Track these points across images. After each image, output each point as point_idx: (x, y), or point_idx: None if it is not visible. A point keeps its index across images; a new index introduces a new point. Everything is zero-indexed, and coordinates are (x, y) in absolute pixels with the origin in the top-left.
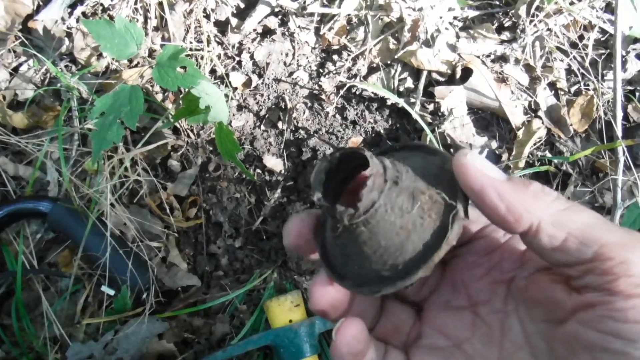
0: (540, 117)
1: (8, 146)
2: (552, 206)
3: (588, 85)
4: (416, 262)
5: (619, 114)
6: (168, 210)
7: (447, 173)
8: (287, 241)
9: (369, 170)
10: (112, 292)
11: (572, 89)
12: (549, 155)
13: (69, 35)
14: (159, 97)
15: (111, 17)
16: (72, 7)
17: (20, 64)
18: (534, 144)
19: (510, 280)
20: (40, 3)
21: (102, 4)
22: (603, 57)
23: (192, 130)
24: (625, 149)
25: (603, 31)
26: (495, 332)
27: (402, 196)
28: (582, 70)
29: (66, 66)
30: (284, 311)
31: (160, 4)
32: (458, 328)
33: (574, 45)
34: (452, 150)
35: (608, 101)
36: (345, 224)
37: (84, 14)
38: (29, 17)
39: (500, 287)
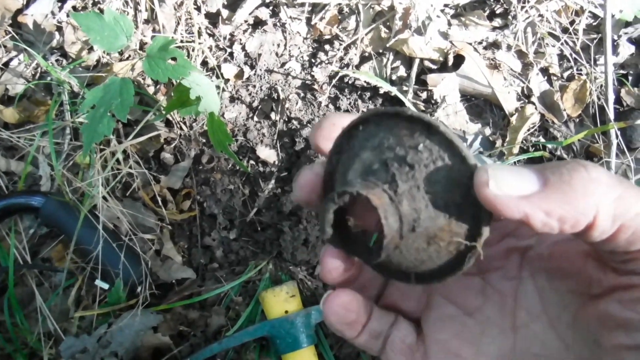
0: (533, 103)
1: (0, 142)
2: (606, 197)
3: (581, 70)
4: (426, 277)
5: (611, 97)
6: (161, 203)
7: (473, 195)
8: (298, 195)
9: (385, 230)
10: (106, 286)
11: (565, 74)
12: (542, 140)
13: (59, 29)
14: (151, 90)
15: (101, 11)
16: (62, 0)
17: (11, 59)
18: (528, 130)
19: (527, 248)
20: None
21: None
22: (595, 41)
23: (184, 123)
24: (618, 132)
25: (595, 16)
26: (508, 300)
27: (419, 241)
28: (574, 56)
29: (57, 60)
30: (280, 302)
31: None
32: (468, 296)
33: (565, 30)
34: None
35: (601, 86)
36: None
37: (74, 7)
38: (19, 11)
39: (515, 254)
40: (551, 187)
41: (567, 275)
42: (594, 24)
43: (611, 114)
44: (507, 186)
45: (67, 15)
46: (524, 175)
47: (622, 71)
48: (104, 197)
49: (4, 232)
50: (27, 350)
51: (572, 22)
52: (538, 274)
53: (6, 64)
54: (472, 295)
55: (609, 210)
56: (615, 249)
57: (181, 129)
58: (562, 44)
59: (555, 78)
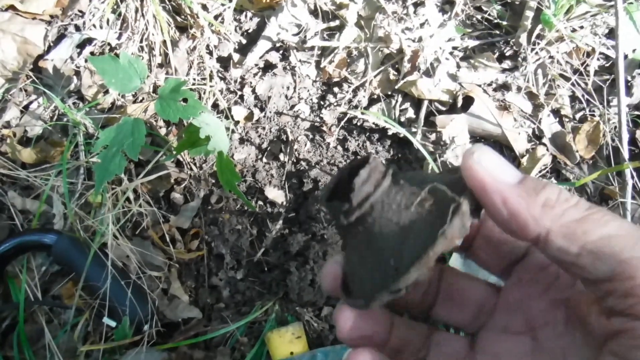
0: (544, 144)
1: (17, 181)
2: (565, 215)
3: (593, 111)
4: (410, 262)
5: (625, 136)
6: (170, 242)
7: (459, 177)
8: (325, 285)
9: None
10: (113, 324)
11: (577, 116)
12: (555, 182)
13: (77, 73)
14: (163, 131)
15: (117, 55)
16: (81, 47)
17: (31, 102)
18: (539, 172)
19: (569, 300)
20: (51, 44)
21: (109, 44)
22: (608, 82)
23: (194, 163)
24: (634, 173)
25: (607, 57)
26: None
27: (402, 193)
28: (586, 97)
29: (74, 103)
30: (285, 343)
31: (165, 42)
32: (515, 355)
33: (576, 71)
34: None
35: (615, 127)
36: (343, 224)
37: (92, 53)
38: (40, 57)
39: (561, 307)
40: (521, 186)
41: (585, 327)
42: (606, 65)
43: (626, 154)
44: (488, 162)
45: (85, 61)
46: (508, 166)
47: (636, 112)
48: (114, 235)
49: (17, 269)
50: None
51: (583, 64)
52: (577, 328)
53: (26, 107)
54: (520, 355)
55: (565, 227)
56: (589, 276)
57: (191, 169)
58: (572, 84)
59: (567, 119)
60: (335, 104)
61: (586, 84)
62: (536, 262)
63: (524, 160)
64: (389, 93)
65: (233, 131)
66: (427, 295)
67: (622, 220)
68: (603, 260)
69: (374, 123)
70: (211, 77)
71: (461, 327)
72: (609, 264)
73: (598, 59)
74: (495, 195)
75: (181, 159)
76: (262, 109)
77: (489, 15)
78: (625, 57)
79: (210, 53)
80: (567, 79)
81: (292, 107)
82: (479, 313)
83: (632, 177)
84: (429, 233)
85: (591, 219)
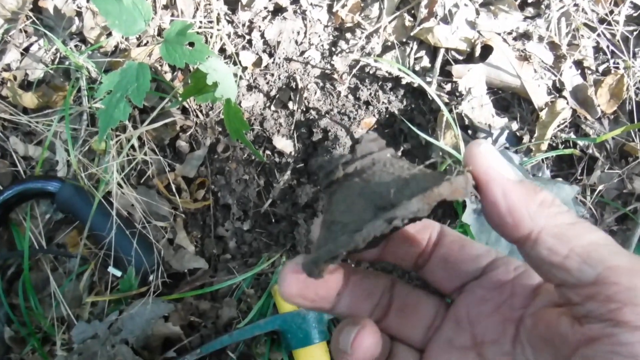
0: (565, 98)
1: (18, 126)
2: (558, 218)
3: (617, 64)
4: (414, 194)
5: None
6: (175, 192)
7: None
8: (284, 290)
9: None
10: (118, 273)
11: (600, 68)
12: (573, 137)
13: (79, 14)
14: (168, 76)
15: None
16: None
17: (31, 44)
18: (558, 126)
19: (520, 319)
20: None
21: None
22: (635, 33)
23: (201, 111)
24: None
25: (635, 6)
26: None
27: (403, 161)
28: (611, 48)
29: (76, 46)
30: None
31: None
32: None
33: (602, 21)
34: (469, 132)
35: None
36: (339, 175)
37: None
38: None
39: (510, 326)
40: (521, 185)
41: (546, 343)
42: (635, 14)
43: None
44: (493, 156)
45: (87, 1)
46: (510, 166)
47: None
48: (118, 184)
49: (20, 217)
50: (41, 334)
51: (610, 12)
52: (526, 347)
53: (27, 49)
54: None
55: (557, 227)
56: (569, 279)
57: (197, 117)
58: (598, 35)
59: (589, 72)
60: (347, 50)
61: (613, 34)
62: (491, 281)
63: (542, 114)
64: (404, 40)
65: (241, 77)
66: (379, 307)
67: (604, 233)
68: (590, 264)
69: (387, 71)
70: (218, 20)
71: (410, 343)
72: (596, 268)
73: (627, 8)
74: (498, 187)
75: (187, 106)
76: (271, 55)
77: None
78: None
79: None
80: (591, 28)
81: (302, 53)
82: (429, 328)
83: None
84: (433, 181)
85: (581, 225)
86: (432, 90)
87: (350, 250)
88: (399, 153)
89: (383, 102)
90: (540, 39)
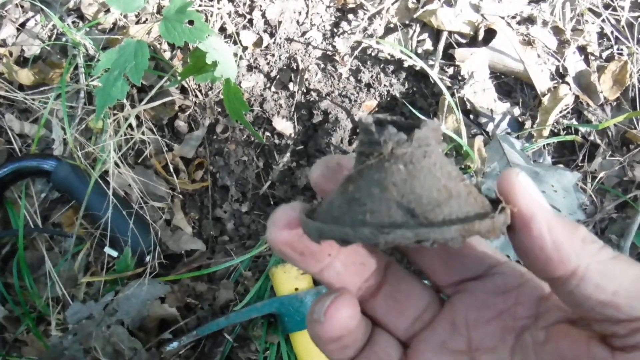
0: (567, 83)
1: (14, 103)
2: (601, 254)
3: (621, 50)
4: (453, 220)
5: None
6: (173, 172)
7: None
8: (272, 235)
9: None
10: (114, 254)
11: (604, 54)
12: (575, 123)
13: None
14: (167, 55)
15: None
16: None
17: (28, 20)
18: (560, 112)
19: (522, 330)
20: None
21: None
22: None
23: (200, 91)
24: None
25: None
26: None
27: (452, 166)
28: (616, 34)
29: (73, 22)
30: (290, 279)
31: None
32: None
33: (607, 6)
34: (471, 116)
35: None
36: (385, 153)
37: None
38: None
39: (510, 336)
40: (561, 219)
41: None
42: None
43: None
44: (533, 187)
45: None
46: (543, 196)
47: None
48: (115, 163)
49: (16, 195)
50: (36, 314)
51: None
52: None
53: (23, 25)
54: None
55: (602, 264)
56: (617, 316)
57: (196, 96)
58: (603, 20)
59: (593, 58)
60: (349, 32)
61: (617, 20)
62: (496, 285)
63: (545, 100)
64: (407, 22)
65: (241, 57)
66: (369, 285)
67: None
68: None
69: (389, 54)
70: None
71: (394, 332)
72: None
73: None
74: (543, 221)
75: (186, 85)
76: (271, 35)
77: None
78: None
79: None
80: (596, 14)
81: (304, 33)
82: (416, 320)
83: None
84: (475, 211)
85: (623, 259)
86: (434, 74)
87: (366, 244)
88: None
89: (385, 85)
90: (545, 23)
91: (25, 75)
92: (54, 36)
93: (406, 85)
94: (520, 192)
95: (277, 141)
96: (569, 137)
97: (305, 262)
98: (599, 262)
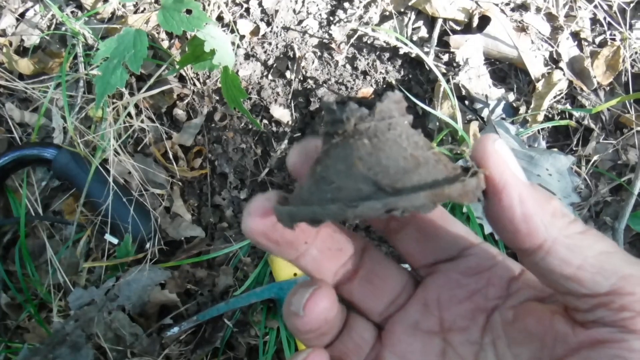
0: (561, 69)
1: (14, 92)
2: (570, 228)
3: (614, 36)
4: (422, 185)
5: None
6: (172, 160)
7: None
8: (247, 226)
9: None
10: (115, 241)
11: (597, 40)
12: (569, 108)
13: None
14: (165, 44)
15: None
16: None
17: (27, 9)
18: (554, 97)
19: (493, 310)
20: None
21: None
22: (632, 5)
23: (198, 79)
24: None
25: None
26: None
27: (419, 136)
28: (608, 20)
29: (72, 12)
30: (289, 264)
31: None
32: (425, 356)
33: None
34: (466, 102)
35: (635, 52)
36: (348, 129)
37: None
38: None
39: (481, 316)
40: (534, 190)
41: (530, 338)
42: None
43: None
44: (509, 156)
45: None
46: (519, 165)
47: None
48: (115, 151)
49: (16, 183)
50: (37, 301)
51: None
52: (499, 339)
53: (22, 15)
54: (429, 355)
55: (570, 238)
56: (580, 290)
57: (194, 85)
58: (595, 6)
59: (586, 43)
60: (345, 20)
61: (609, 6)
62: (469, 266)
63: (539, 85)
64: (402, 10)
65: (238, 46)
66: (345, 269)
67: (611, 240)
68: (604, 275)
69: (385, 41)
70: None
71: (369, 315)
72: (609, 279)
73: None
74: (514, 192)
75: (184, 74)
76: (268, 24)
77: None
78: None
79: None
80: (588, 0)
81: (300, 22)
82: (391, 304)
83: None
84: (445, 176)
85: (591, 234)
86: (429, 61)
87: (336, 220)
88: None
89: (380, 72)
90: (538, 10)
91: (25, 65)
92: (53, 26)
93: (402, 73)
94: (494, 158)
95: (274, 129)
96: (563, 122)
97: (281, 250)
98: (567, 236)
